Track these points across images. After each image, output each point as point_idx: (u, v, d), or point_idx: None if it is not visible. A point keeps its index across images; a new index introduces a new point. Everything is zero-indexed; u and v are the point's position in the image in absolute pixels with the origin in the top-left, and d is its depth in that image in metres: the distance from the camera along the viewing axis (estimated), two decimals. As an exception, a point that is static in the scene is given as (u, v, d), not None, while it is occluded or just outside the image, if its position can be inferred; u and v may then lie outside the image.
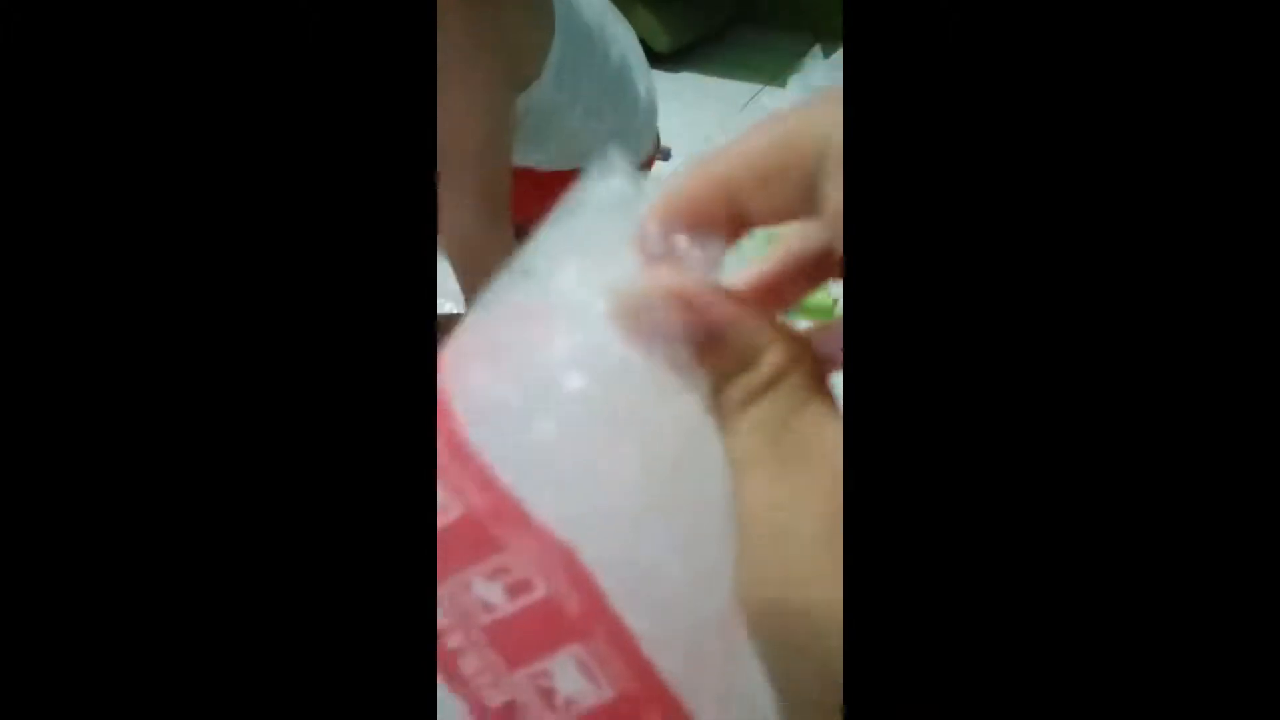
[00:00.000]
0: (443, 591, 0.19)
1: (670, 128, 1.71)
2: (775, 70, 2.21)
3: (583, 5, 1.16)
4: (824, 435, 0.15)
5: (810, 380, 0.15)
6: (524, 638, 0.19)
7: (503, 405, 0.19)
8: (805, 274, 0.16)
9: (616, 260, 0.17)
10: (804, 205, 0.15)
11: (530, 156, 1.24)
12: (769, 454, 0.15)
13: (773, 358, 0.15)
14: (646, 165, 1.46)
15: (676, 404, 0.17)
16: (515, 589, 0.18)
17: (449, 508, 0.19)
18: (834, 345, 0.16)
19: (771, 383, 0.15)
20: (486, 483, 0.18)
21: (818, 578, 0.14)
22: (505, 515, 0.18)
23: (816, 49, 1.93)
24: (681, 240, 0.16)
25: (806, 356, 0.16)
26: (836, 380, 0.18)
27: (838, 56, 1.93)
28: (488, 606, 0.19)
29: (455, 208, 0.98)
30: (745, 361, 0.15)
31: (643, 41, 1.48)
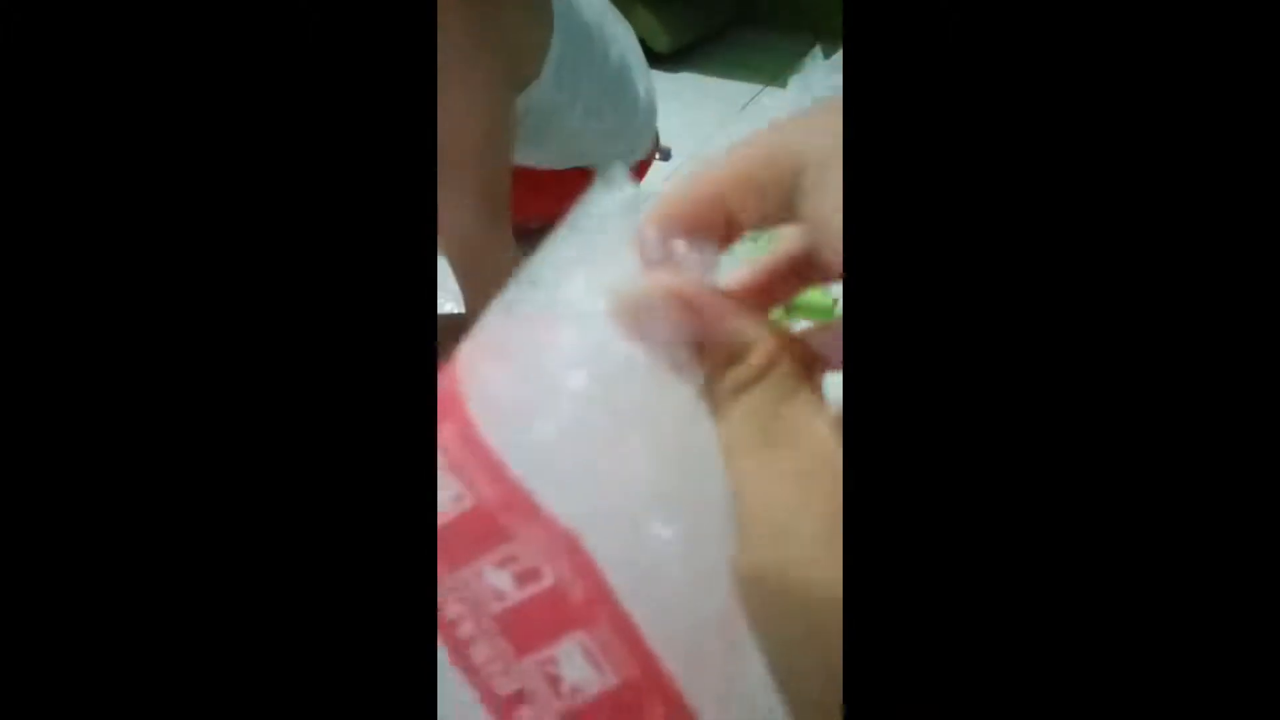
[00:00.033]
0: (456, 580, 0.20)
1: (670, 128, 1.71)
2: (775, 71, 2.21)
3: (582, 5, 1.16)
4: (811, 421, 0.16)
5: (796, 372, 0.16)
6: (532, 625, 0.19)
7: (512, 403, 0.20)
8: (793, 275, 0.18)
9: (618, 265, 0.18)
10: (786, 212, 0.16)
11: (531, 156, 1.24)
12: (759, 440, 0.16)
13: (761, 351, 0.16)
14: (646, 164, 1.46)
15: (675, 396, 0.17)
16: (524, 577, 0.19)
17: (462, 499, 0.20)
18: (831, 344, 0.17)
19: (760, 374, 0.16)
20: (497, 475, 0.19)
21: (812, 559, 0.15)
22: (514, 506, 0.19)
23: (817, 50, 1.92)
24: (677, 245, 0.17)
25: (793, 351, 0.16)
26: (837, 379, 0.18)
27: (838, 57, 1.93)
28: (498, 594, 0.20)
29: (455, 207, 0.98)
30: (736, 355, 0.16)
31: (643, 42, 1.48)
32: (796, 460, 0.16)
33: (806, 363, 0.17)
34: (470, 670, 0.20)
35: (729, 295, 0.17)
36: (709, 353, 0.17)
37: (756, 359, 0.16)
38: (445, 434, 0.20)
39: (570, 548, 0.19)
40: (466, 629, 0.20)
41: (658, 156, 1.70)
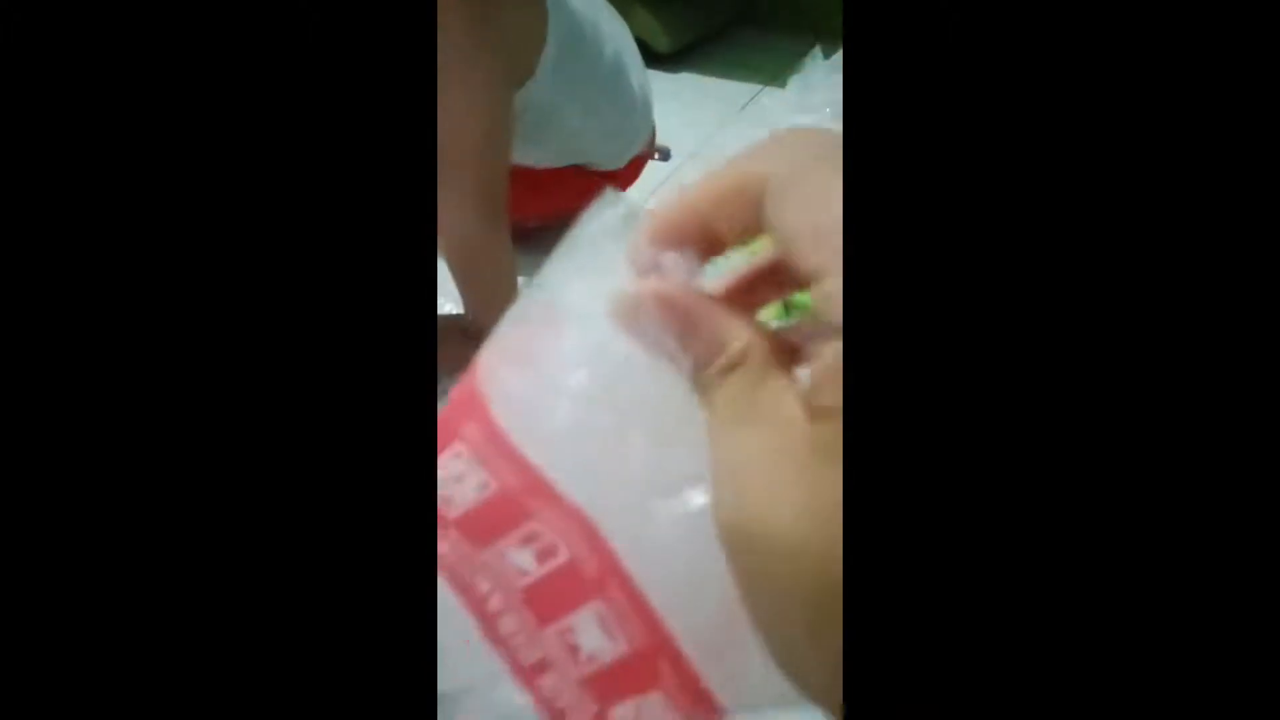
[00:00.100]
0: (484, 558, 0.23)
1: (670, 128, 1.71)
2: (775, 71, 2.21)
3: (575, 2, 1.16)
4: (781, 401, 0.18)
5: (770, 360, 0.19)
6: (551, 597, 0.22)
7: (528, 400, 0.22)
8: (770, 278, 0.20)
9: (614, 274, 0.20)
10: (757, 226, 0.19)
11: (529, 155, 1.24)
12: (736, 418, 0.18)
13: (738, 344, 0.19)
14: (642, 160, 1.46)
15: (670, 386, 0.20)
16: (543, 554, 0.22)
17: (487, 486, 0.22)
18: (803, 337, 0.19)
19: (737, 363, 0.19)
20: (517, 465, 0.22)
21: (780, 510, 0.17)
22: (533, 488, 0.22)
23: (816, 50, 1.92)
24: (665, 256, 0.20)
25: (766, 343, 0.19)
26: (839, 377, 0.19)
27: (837, 57, 1.92)
28: (521, 571, 0.22)
29: (454, 207, 0.98)
30: (716, 348, 0.19)
31: (643, 42, 1.48)
32: (766, 433, 0.18)
33: (781, 353, 0.19)
34: (498, 641, 0.23)
35: (712, 297, 0.20)
36: (693, 346, 0.19)
37: (733, 350, 0.19)
38: (470, 431, 0.23)
39: (583, 526, 0.21)
40: (495, 603, 0.23)
41: (656, 156, 1.70)
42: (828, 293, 0.17)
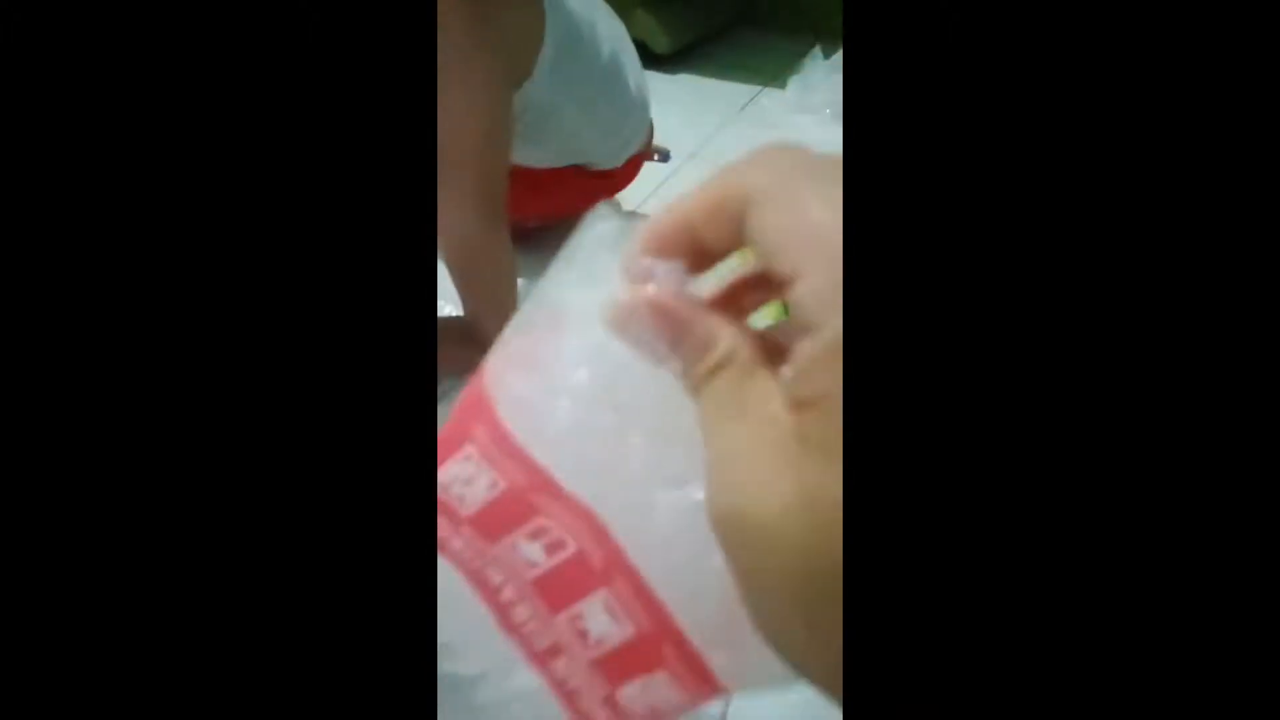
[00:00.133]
0: (496, 552, 0.24)
1: (670, 129, 1.71)
2: (775, 71, 2.21)
3: (573, 3, 1.16)
4: (766, 397, 0.19)
5: (754, 360, 0.20)
6: (561, 587, 0.23)
7: (532, 400, 0.23)
8: (755, 284, 0.21)
9: (609, 283, 0.22)
10: (740, 238, 0.20)
11: (528, 156, 1.24)
12: (726, 415, 0.20)
13: (724, 345, 0.20)
14: (640, 158, 1.45)
15: (665, 386, 0.21)
16: (552, 547, 0.23)
17: (496, 484, 0.24)
18: (787, 336, 0.20)
19: (724, 362, 0.20)
20: (524, 464, 0.23)
21: (766, 499, 0.18)
22: (539, 486, 0.23)
23: (816, 50, 1.92)
24: (657, 265, 0.21)
25: (752, 343, 0.20)
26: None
27: (837, 58, 1.92)
28: (531, 563, 0.24)
29: (454, 208, 0.98)
30: (704, 349, 0.20)
31: (642, 44, 1.48)
32: (752, 427, 0.19)
33: (767, 352, 0.20)
34: (512, 629, 0.24)
35: (701, 303, 0.21)
36: (684, 349, 0.21)
37: (721, 351, 0.20)
38: (478, 433, 0.24)
39: (588, 520, 0.23)
40: (508, 593, 0.24)
41: (656, 158, 1.70)
42: (803, 294, 0.18)
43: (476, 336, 1.02)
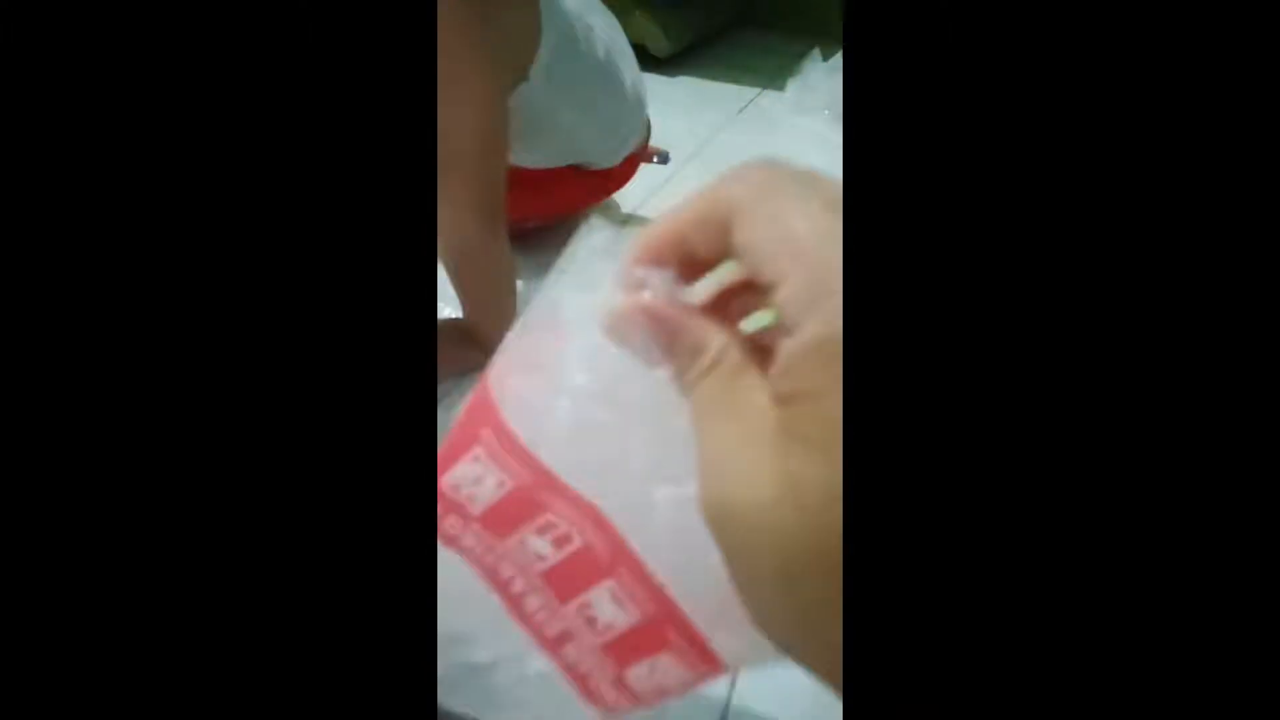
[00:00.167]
0: (506, 547, 0.26)
1: (669, 131, 1.71)
2: (774, 73, 2.21)
3: (569, 3, 1.16)
4: (752, 395, 0.20)
5: (742, 360, 0.21)
6: (569, 578, 0.25)
7: (536, 402, 0.25)
8: (742, 291, 0.22)
9: (605, 290, 0.23)
10: (726, 248, 0.21)
11: (525, 156, 1.24)
12: (715, 412, 0.21)
13: (713, 348, 0.21)
14: (637, 156, 1.45)
15: (660, 387, 0.22)
16: (559, 541, 0.25)
17: (504, 484, 0.25)
18: (772, 338, 0.21)
19: (713, 365, 0.21)
20: (529, 463, 0.25)
21: (752, 489, 0.19)
22: (545, 484, 0.25)
23: (815, 52, 1.93)
24: (650, 274, 0.22)
25: (740, 345, 0.21)
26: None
27: (836, 59, 1.93)
28: (540, 557, 0.25)
29: (453, 211, 0.98)
30: (696, 352, 0.21)
31: (642, 46, 1.47)
32: (740, 423, 0.20)
33: (757, 354, 0.21)
34: (524, 617, 0.26)
35: (692, 309, 0.22)
36: (676, 351, 0.22)
37: (710, 353, 0.21)
38: (486, 435, 0.25)
39: (592, 515, 0.24)
40: (519, 585, 0.26)
41: (656, 159, 1.70)
42: (785, 298, 0.19)
43: (475, 338, 1.02)
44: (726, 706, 0.75)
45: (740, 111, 2.04)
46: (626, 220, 1.49)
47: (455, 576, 0.26)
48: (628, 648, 0.25)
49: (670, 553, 0.24)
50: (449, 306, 1.06)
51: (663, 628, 0.24)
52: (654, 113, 1.48)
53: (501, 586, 0.26)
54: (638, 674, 0.25)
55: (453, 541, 0.26)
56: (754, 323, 0.22)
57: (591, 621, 0.25)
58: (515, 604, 0.26)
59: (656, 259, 0.22)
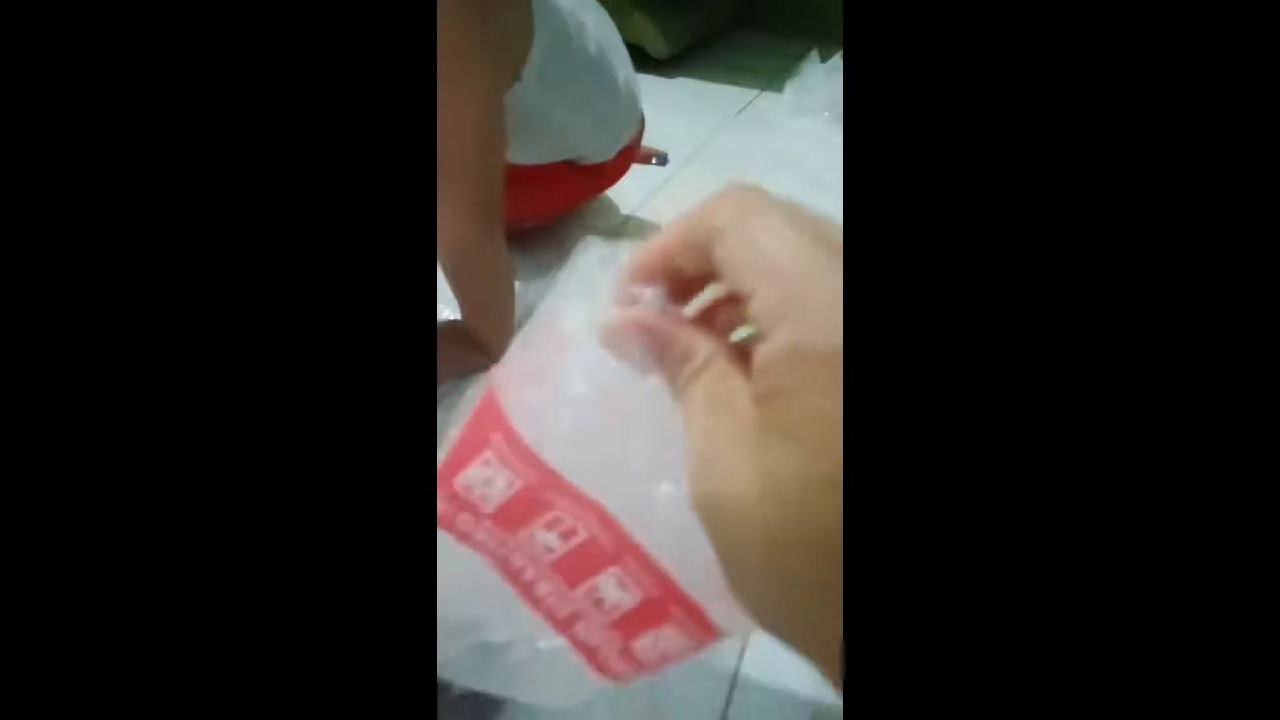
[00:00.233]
0: (517, 540, 0.28)
1: (668, 132, 1.71)
2: (772, 75, 2.22)
3: (562, 1, 1.16)
4: (735, 395, 0.22)
5: (728, 366, 0.23)
6: (577, 567, 0.27)
7: (541, 410, 0.27)
8: (727, 305, 0.24)
9: (601, 305, 0.25)
10: (709, 266, 0.23)
11: (520, 154, 1.24)
12: (702, 411, 0.23)
13: (701, 355, 0.23)
14: (631, 150, 1.45)
15: (655, 392, 0.24)
16: (566, 534, 0.27)
17: (513, 484, 0.27)
18: (753, 348, 0.22)
19: (700, 370, 0.23)
20: (536, 465, 0.27)
21: (734, 483, 0.21)
22: (551, 484, 0.27)
23: (813, 53, 1.93)
24: (641, 290, 0.25)
25: (725, 352, 0.23)
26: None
27: (834, 61, 1.93)
28: (549, 549, 0.28)
29: (450, 213, 0.97)
30: (684, 359, 0.24)
31: (641, 48, 1.48)
32: (724, 422, 0.22)
33: (739, 360, 0.23)
34: (535, 602, 0.28)
35: (682, 321, 0.25)
36: (666, 359, 0.24)
37: (697, 360, 0.23)
38: (495, 439, 0.27)
39: (597, 512, 0.27)
40: (529, 574, 0.28)
41: (654, 161, 1.70)
42: (758, 309, 0.21)
43: (474, 339, 1.02)
44: (735, 676, 0.76)
45: (739, 113, 2.04)
46: (625, 222, 1.49)
47: (469, 568, 0.28)
48: (633, 623, 0.27)
49: (671, 543, 0.26)
50: (447, 308, 1.06)
51: (665, 604, 0.27)
52: (652, 114, 1.48)
53: (513, 575, 0.28)
54: (643, 644, 0.28)
55: (466, 537, 0.28)
56: (739, 334, 0.24)
57: (599, 603, 0.28)
58: (527, 590, 0.28)
59: (647, 277, 0.25)
